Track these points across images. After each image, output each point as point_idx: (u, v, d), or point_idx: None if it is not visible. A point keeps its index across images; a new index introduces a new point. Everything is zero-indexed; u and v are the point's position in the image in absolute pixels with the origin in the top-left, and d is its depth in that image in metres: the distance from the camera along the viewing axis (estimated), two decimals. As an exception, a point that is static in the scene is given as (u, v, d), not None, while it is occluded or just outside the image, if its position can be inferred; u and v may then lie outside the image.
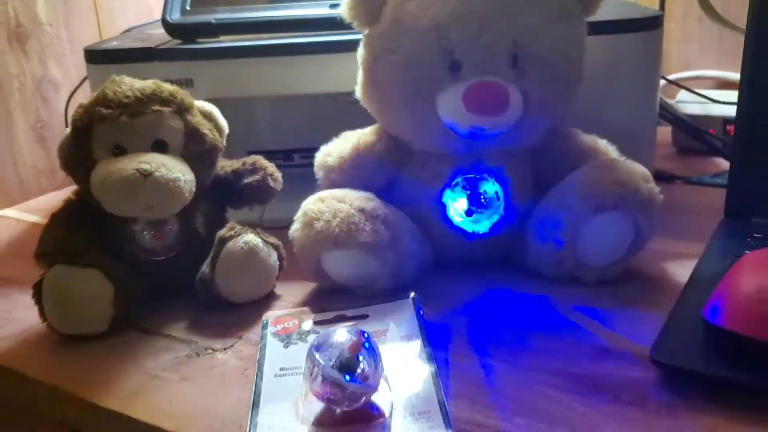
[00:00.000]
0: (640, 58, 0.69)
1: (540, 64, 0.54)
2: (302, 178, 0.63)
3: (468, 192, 0.57)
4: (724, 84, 0.96)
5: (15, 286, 0.64)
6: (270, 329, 0.52)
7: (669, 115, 0.86)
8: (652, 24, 0.67)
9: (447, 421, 0.41)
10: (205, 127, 0.56)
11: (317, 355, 0.42)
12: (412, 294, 0.54)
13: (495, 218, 0.57)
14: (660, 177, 0.75)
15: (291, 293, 0.58)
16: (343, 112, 0.65)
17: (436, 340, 0.50)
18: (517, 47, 0.53)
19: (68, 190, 0.89)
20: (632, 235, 0.54)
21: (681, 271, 0.56)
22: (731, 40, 0.95)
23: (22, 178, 0.88)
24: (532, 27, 0.53)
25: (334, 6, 0.67)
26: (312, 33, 0.68)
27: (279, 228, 0.58)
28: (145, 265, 0.56)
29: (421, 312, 0.52)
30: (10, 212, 0.85)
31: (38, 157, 0.89)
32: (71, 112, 0.88)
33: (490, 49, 0.52)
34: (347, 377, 0.41)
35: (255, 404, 0.44)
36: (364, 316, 0.52)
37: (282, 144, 0.77)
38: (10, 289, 0.64)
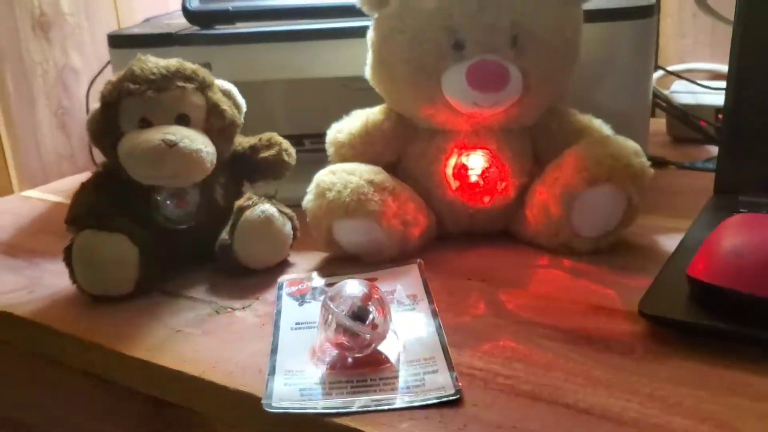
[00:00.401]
0: (634, 46, 0.72)
1: (538, 45, 0.57)
2: (312, 162, 0.65)
3: (470, 166, 0.61)
4: (717, 76, 1.00)
5: (43, 256, 0.68)
6: (285, 290, 0.56)
7: (663, 103, 0.90)
8: (645, 13, 0.71)
9: (450, 364, 0.45)
10: (225, 104, 0.60)
11: (332, 305, 0.45)
12: (418, 260, 0.58)
13: (495, 192, 0.61)
14: (654, 162, 0.78)
15: (304, 262, 0.62)
16: (351, 99, 0.68)
17: (440, 299, 0.53)
18: (516, 27, 0.57)
19: (88, 174, 0.93)
20: (624, 206, 0.58)
21: (670, 242, 0.59)
22: (724, 34, 0.99)
23: (44, 162, 0.92)
24: (529, 8, 0.57)
25: (344, -6, 0.71)
26: (323, 20, 0.72)
27: (291, 207, 0.62)
28: (168, 233, 0.59)
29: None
30: (32, 193, 0.88)
31: (59, 142, 0.93)
32: (92, 99, 0.93)
33: (491, 28, 0.56)
34: (359, 324, 0.45)
35: (273, 351, 0.48)
36: (373, 279, 0.56)
37: (293, 129, 0.80)
38: (38, 259, 0.67)
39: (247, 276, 0.59)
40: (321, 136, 0.69)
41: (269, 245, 0.59)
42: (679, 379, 0.43)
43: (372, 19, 0.62)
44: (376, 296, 0.46)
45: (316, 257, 0.63)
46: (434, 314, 0.51)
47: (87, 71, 0.95)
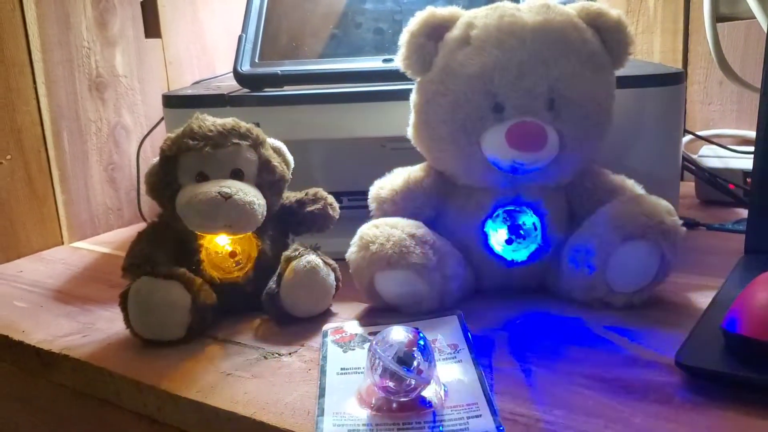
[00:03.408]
0: (663, 111, 0.75)
1: (573, 108, 0.61)
2: (350, 219, 0.69)
3: (508, 223, 0.63)
4: (743, 141, 1.02)
5: (95, 303, 0.71)
6: (330, 338, 0.58)
7: (693, 167, 0.93)
8: (674, 80, 0.74)
9: (493, 409, 0.46)
10: (276, 160, 0.64)
11: (379, 350, 0.47)
12: (459, 311, 0.60)
13: (533, 247, 0.63)
14: (684, 223, 0.80)
15: (345, 312, 0.64)
16: (388, 158, 0.71)
17: (480, 349, 0.55)
18: (553, 92, 0.60)
19: (133, 227, 0.97)
20: (658, 262, 0.59)
21: (703, 299, 0.61)
22: (749, 101, 1.02)
23: (93, 215, 0.96)
24: (566, 75, 0.60)
25: (386, 60, 0.75)
26: (365, 84, 0.76)
27: (332, 260, 0.65)
28: (219, 281, 0.62)
29: (467, 326, 0.58)
30: (82, 244, 0.93)
31: (108, 196, 0.98)
32: (141, 156, 0.97)
33: (529, 93, 0.60)
34: (405, 369, 0.46)
35: (321, 394, 0.50)
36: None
37: (332, 186, 0.84)
38: (90, 306, 0.70)
39: (292, 324, 0.62)
40: (358, 194, 0.72)
41: (314, 294, 0.62)
42: (718, 428, 0.44)
43: (414, 82, 0.66)
44: (420, 341, 0.48)
45: (357, 307, 0.65)
46: (475, 363, 0.52)
47: (137, 129, 1.00)
